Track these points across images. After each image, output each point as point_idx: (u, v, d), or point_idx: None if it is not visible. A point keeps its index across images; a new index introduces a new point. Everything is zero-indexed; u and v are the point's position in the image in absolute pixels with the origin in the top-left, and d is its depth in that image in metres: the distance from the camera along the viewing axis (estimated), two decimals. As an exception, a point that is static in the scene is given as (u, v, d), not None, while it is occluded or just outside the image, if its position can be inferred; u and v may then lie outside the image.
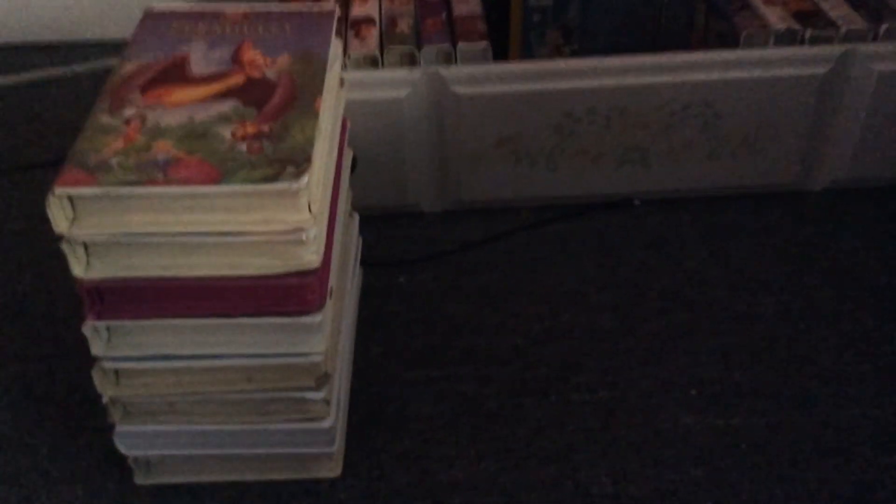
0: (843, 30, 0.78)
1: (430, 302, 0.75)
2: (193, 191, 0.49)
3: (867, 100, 0.79)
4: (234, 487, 0.62)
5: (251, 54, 0.59)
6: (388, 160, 0.80)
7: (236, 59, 0.58)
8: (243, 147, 0.51)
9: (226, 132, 0.52)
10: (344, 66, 0.76)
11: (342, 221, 0.64)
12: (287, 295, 0.53)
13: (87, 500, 0.62)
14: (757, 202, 0.84)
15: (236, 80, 0.56)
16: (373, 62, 0.77)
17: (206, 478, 0.62)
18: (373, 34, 0.79)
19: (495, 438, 0.65)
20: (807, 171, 0.84)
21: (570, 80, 0.77)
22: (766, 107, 0.79)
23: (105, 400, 0.57)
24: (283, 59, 0.58)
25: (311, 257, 0.52)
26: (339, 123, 0.63)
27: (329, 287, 0.56)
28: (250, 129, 0.53)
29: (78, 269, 0.51)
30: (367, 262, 0.77)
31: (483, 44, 0.77)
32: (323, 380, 0.57)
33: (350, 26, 0.81)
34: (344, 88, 0.66)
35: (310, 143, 0.52)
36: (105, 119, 0.53)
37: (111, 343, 0.55)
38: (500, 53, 0.83)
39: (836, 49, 0.77)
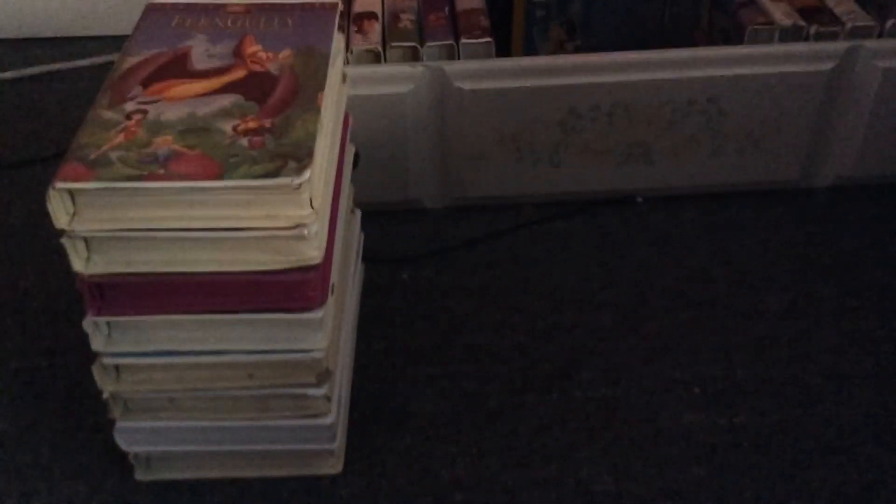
0: (849, 26, 0.78)
1: (432, 299, 0.75)
2: (194, 186, 0.49)
3: (872, 97, 0.79)
4: (234, 484, 0.62)
5: (253, 49, 0.58)
6: (391, 156, 0.80)
7: (238, 54, 0.58)
8: (245, 142, 0.51)
9: (227, 127, 0.52)
10: (346, 62, 0.75)
11: (344, 217, 0.64)
12: (288, 291, 0.53)
13: (88, 496, 0.62)
14: (760, 199, 0.84)
15: (238, 74, 0.56)
16: (375, 57, 0.77)
17: (206, 474, 0.62)
18: (375, 29, 0.79)
19: (497, 436, 0.65)
20: (811, 168, 0.84)
21: (573, 76, 0.77)
22: (771, 103, 0.79)
23: (105, 396, 0.57)
24: (285, 54, 0.58)
25: (312, 253, 0.52)
26: (341, 119, 0.63)
27: (331, 283, 0.56)
28: (252, 124, 0.52)
29: (78, 265, 0.51)
30: (369, 259, 0.77)
31: (486, 39, 0.77)
32: (324, 376, 0.57)
33: (352, 21, 0.80)
34: (346, 84, 0.66)
35: (311, 138, 0.51)
36: (106, 113, 0.53)
37: (112, 339, 0.55)
38: (503, 49, 0.83)
39: (841, 45, 0.77)
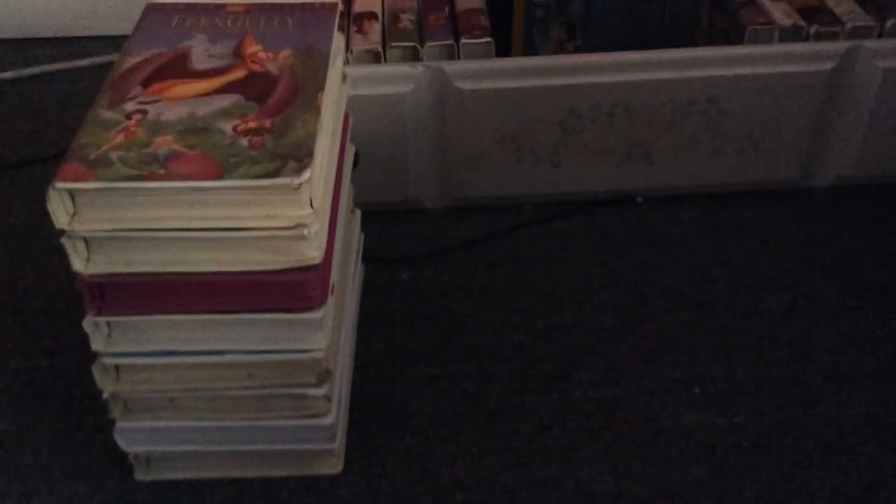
0: (849, 26, 0.78)
1: (431, 299, 0.75)
2: (194, 186, 0.49)
3: (872, 96, 0.79)
4: (234, 484, 0.62)
5: (253, 49, 0.58)
6: (391, 156, 0.80)
7: (238, 54, 0.58)
8: (244, 142, 0.51)
9: (227, 127, 0.52)
10: (346, 62, 0.75)
11: (344, 217, 0.64)
12: (288, 291, 0.53)
13: (88, 495, 0.61)
14: (760, 199, 0.84)
15: (238, 74, 0.56)
16: (375, 57, 0.77)
17: (206, 474, 0.62)
18: (375, 29, 0.79)
19: (497, 436, 0.65)
20: (811, 168, 0.84)
21: (573, 76, 0.77)
22: (771, 103, 0.79)
23: (105, 396, 0.57)
24: (285, 54, 0.58)
25: (312, 253, 0.52)
26: (341, 119, 0.63)
27: (331, 283, 0.56)
28: (252, 124, 0.52)
29: (78, 265, 0.51)
30: (369, 259, 0.77)
31: (486, 39, 0.77)
32: (324, 376, 0.57)
33: (353, 21, 0.80)
34: (346, 84, 0.66)
35: (311, 138, 0.51)
36: (106, 113, 0.53)
37: (112, 339, 0.55)
38: (504, 49, 0.83)
39: (841, 45, 0.77)
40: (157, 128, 0.52)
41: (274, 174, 0.49)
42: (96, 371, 0.56)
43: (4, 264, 0.80)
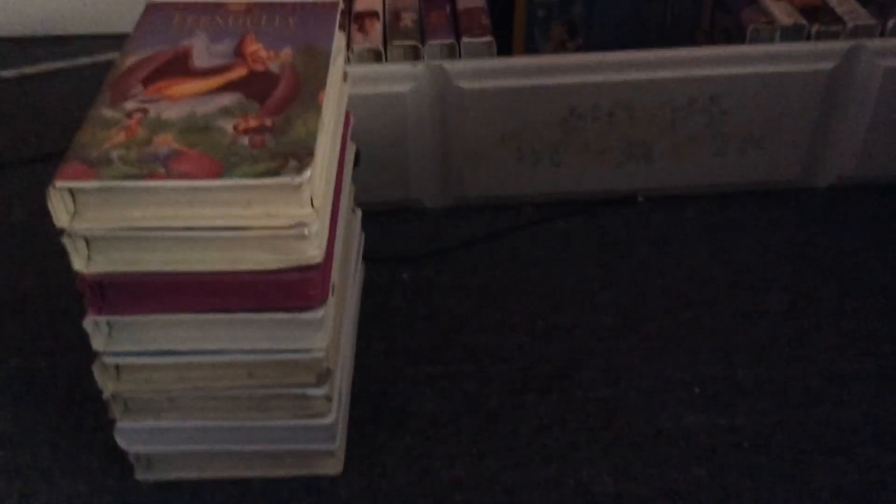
0: (850, 25, 0.78)
1: (432, 298, 0.75)
2: (194, 185, 0.49)
3: (873, 96, 0.79)
4: (235, 484, 0.62)
5: (254, 47, 0.58)
6: (392, 155, 0.80)
7: (239, 53, 0.58)
8: (245, 141, 0.51)
9: (228, 126, 0.52)
10: (347, 60, 0.75)
11: (345, 217, 0.64)
12: (289, 290, 0.53)
13: (88, 495, 0.61)
14: (761, 199, 0.84)
15: (239, 73, 0.56)
16: (376, 56, 0.77)
17: (207, 474, 0.62)
18: (376, 28, 0.79)
19: (497, 436, 0.64)
20: (812, 168, 0.84)
21: (574, 75, 0.77)
22: (772, 103, 0.79)
23: (106, 395, 0.56)
24: (286, 53, 0.58)
25: (313, 252, 0.52)
26: (342, 118, 0.63)
27: (331, 283, 0.56)
28: (252, 123, 0.52)
29: (79, 264, 0.51)
30: (369, 258, 0.77)
31: (487, 38, 0.77)
32: (324, 376, 0.57)
33: (353, 20, 0.80)
34: (347, 82, 0.66)
35: (312, 136, 0.51)
36: (106, 112, 0.53)
37: (112, 338, 0.55)
38: (505, 48, 0.82)
39: (842, 45, 0.77)
40: (158, 126, 0.52)
41: (274, 173, 0.49)
42: (97, 370, 0.56)
43: (5, 263, 0.80)
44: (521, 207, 0.84)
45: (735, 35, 0.80)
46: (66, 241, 0.50)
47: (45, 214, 0.50)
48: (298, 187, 0.49)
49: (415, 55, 0.77)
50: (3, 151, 0.93)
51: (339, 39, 0.61)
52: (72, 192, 0.49)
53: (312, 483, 0.62)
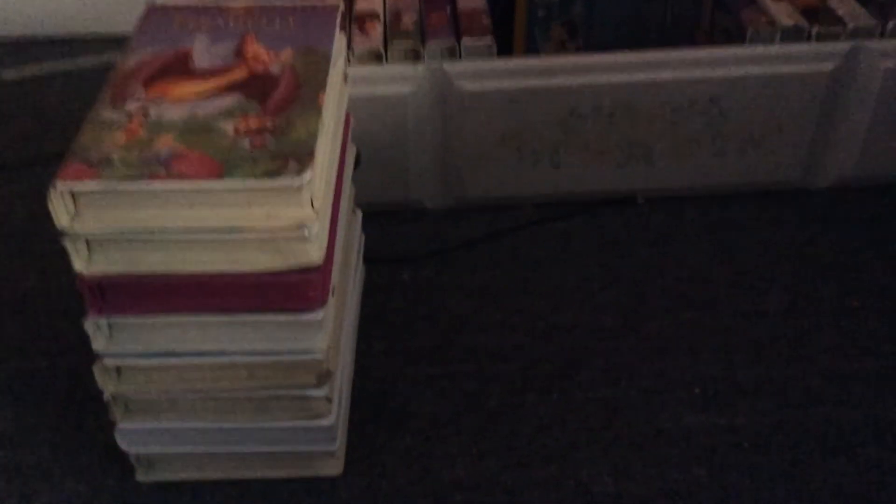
0: (850, 26, 0.78)
1: (432, 299, 0.75)
2: (195, 186, 0.49)
3: (874, 97, 0.79)
4: (235, 485, 0.62)
5: (254, 49, 0.58)
6: (392, 156, 0.80)
7: (239, 54, 0.58)
8: (246, 142, 0.51)
9: (228, 127, 0.52)
10: (348, 62, 0.75)
11: (345, 218, 0.64)
12: (289, 291, 0.53)
13: (89, 496, 0.62)
14: (762, 200, 0.84)
15: (239, 74, 0.56)
16: (377, 57, 0.77)
17: (207, 475, 0.62)
18: (377, 29, 0.79)
19: (497, 436, 0.64)
20: (812, 168, 0.84)
21: (574, 76, 0.77)
22: (772, 104, 0.79)
23: (106, 396, 0.57)
24: (287, 54, 0.58)
25: (313, 253, 0.52)
26: (342, 119, 0.63)
27: (331, 284, 0.56)
28: (253, 124, 0.52)
29: (79, 265, 0.51)
30: (369, 259, 0.77)
31: (487, 39, 0.77)
32: (324, 377, 0.57)
33: (354, 21, 0.80)
34: (348, 84, 0.66)
35: (313, 138, 0.51)
36: (107, 113, 0.53)
37: (113, 339, 0.55)
38: (505, 49, 0.83)
39: (842, 46, 0.77)
40: (159, 128, 0.52)
41: (275, 174, 0.49)
42: (97, 372, 0.56)
43: (6, 264, 0.80)
44: (522, 208, 0.84)
45: (735, 35, 0.80)
46: (66, 242, 0.50)
47: (46, 215, 0.50)
48: (299, 188, 0.49)
49: (415, 56, 0.77)
50: (4, 152, 0.93)
51: (339, 41, 0.61)
52: (72, 193, 0.49)
53: (313, 484, 0.62)
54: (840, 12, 0.79)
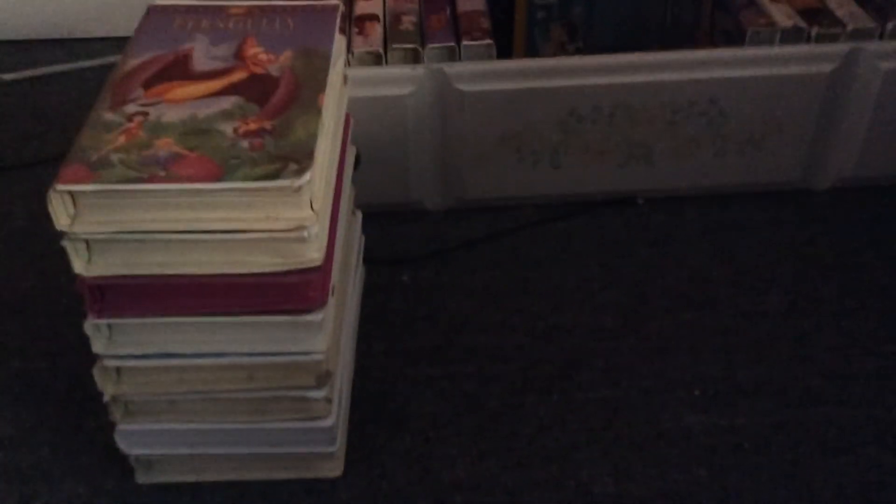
0: (850, 28, 0.78)
1: (432, 300, 0.75)
2: (195, 188, 0.49)
3: (873, 98, 0.79)
4: (234, 486, 0.62)
5: (254, 50, 0.58)
6: (392, 157, 0.80)
7: (239, 55, 0.58)
8: (245, 143, 0.51)
9: (228, 128, 0.52)
10: (347, 64, 0.75)
11: (345, 219, 0.64)
12: (289, 293, 0.53)
13: (88, 498, 0.62)
14: (762, 200, 0.84)
15: (239, 76, 0.56)
16: (377, 59, 0.77)
17: (207, 477, 0.62)
18: (377, 31, 0.79)
19: (497, 437, 0.64)
20: (812, 169, 0.84)
21: (574, 77, 0.77)
22: (772, 105, 0.79)
23: (106, 398, 0.57)
24: (286, 55, 0.58)
25: (313, 255, 0.52)
26: (342, 120, 0.63)
27: (331, 285, 0.56)
28: (252, 126, 0.52)
29: (79, 266, 0.51)
30: (369, 260, 0.77)
31: (487, 41, 0.77)
32: (324, 378, 0.57)
33: (354, 23, 0.80)
34: (347, 85, 0.66)
35: (312, 139, 0.51)
36: (107, 115, 0.53)
37: (112, 340, 0.55)
38: (505, 51, 0.82)
39: (842, 47, 0.77)
40: (158, 129, 0.52)
41: (274, 176, 0.49)
42: (97, 373, 0.56)
43: (6, 265, 0.80)
44: (522, 208, 0.84)
45: (735, 37, 0.80)
46: (66, 243, 0.50)
47: (46, 217, 0.50)
48: (298, 190, 0.49)
49: (415, 58, 0.77)
50: (5, 153, 0.93)
51: (339, 42, 0.61)
52: (72, 194, 0.49)
53: (312, 484, 0.62)
54: (839, 14, 0.79)
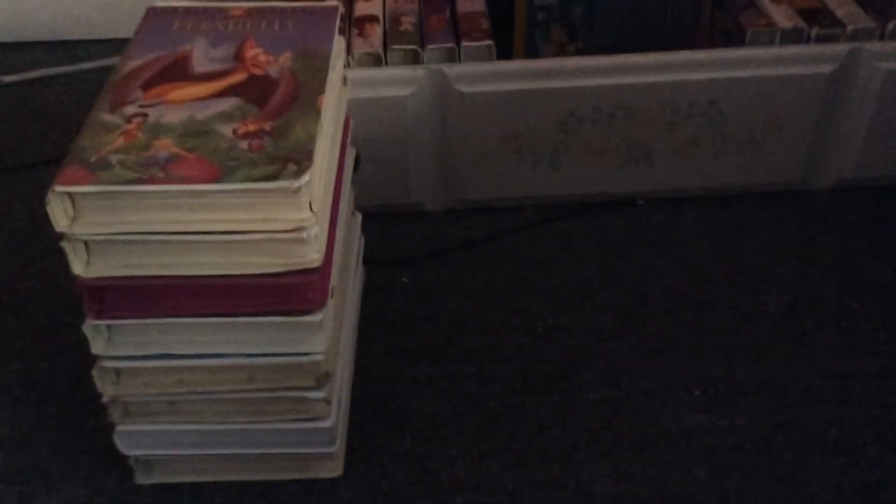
0: (850, 28, 0.78)
1: (432, 300, 0.75)
2: (193, 189, 0.49)
3: (873, 98, 0.79)
4: (234, 487, 0.62)
5: (253, 52, 0.58)
6: (392, 158, 0.80)
7: (238, 57, 0.58)
8: (244, 145, 0.51)
9: (227, 130, 0.52)
10: (347, 65, 0.75)
11: (344, 220, 0.64)
12: (288, 294, 0.53)
13: (88, 499, 0.62)
14: (762, 201, 0.84)
15: (238, 77, 0.56)
16: (376, 60, 0.77)
17: (206, 477, 0.62)
18: (376, 32, 0.79)
19: (497, 437, 0.64)
20: (812, 169, 0.83)
21: (574, 78, 0.77)
22: (772, 105, 0.79)
23: (105, 399, 0.57)
24: (286, 57, 0.58)
25: (312, 256, 0.52)
26: (341, 122, 0.63)
27: (331, 285, 0.56)
28: (252, 127, 0.52)
29: (78, 268, 0.51)
30: (369, 261, 0.77)
31: (487, 42, 0.77)
32: (323, 379, 0.57)
33: (354, 24, 0.81)
34: (347, 86, 0.66)
35: (311, 140, 0.51)
36: (106, 116, 0.53)
37: (111, 342, 0.55)
38: (505, 52, 0.82)
39: (842, 47, 0.77)
40: (157, 131, 0.52)
41: (273, 177, 0.49)
42: (96, 374, 0.56)
43: (6, 266, 0.80)
44: (521, 209, 0.84)
45: (735, 38, 0.80)
46: (65, 244, 0.51)
47: (46, 217, 0.50)
48: (297, 191, 0.49)
49: (415, 59, 0.77)
50: (5, 155, 0.93)
51: (338, 44, 0.61)
52: (71, 196, 0.50)
53: (312, 485, 0.62)
54: (839, 14, 0.79)
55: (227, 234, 0.50)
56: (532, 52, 0.85)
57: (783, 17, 0.79)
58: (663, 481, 0.61)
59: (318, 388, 0.57)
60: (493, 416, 0.66)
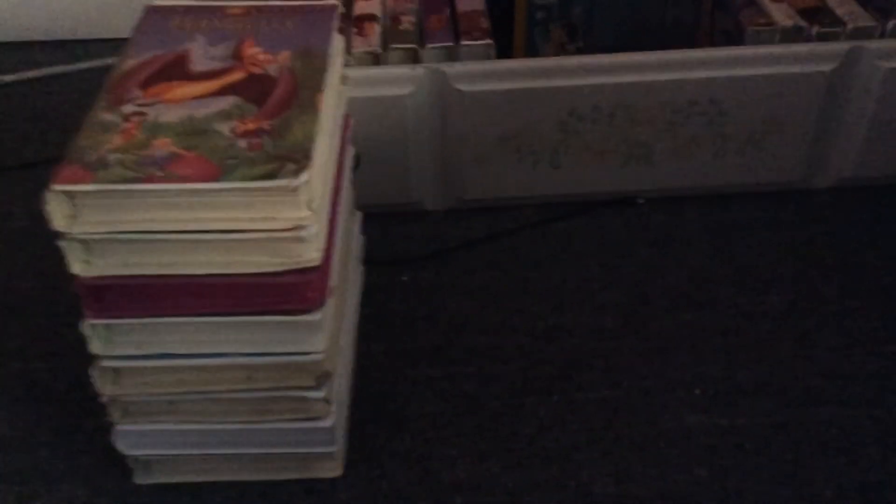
0: (850, 26, 0.77)
1: (432, 300, 0.75)
2: (192, 188, 0.49)
3: (874, 97, 0.79)
4: (234, 487, 0.62)
5: (252, 50, 0.58)
6: (391, 158, 0.80)
7: (237, 56, 0.58)
8: (243, 144, 0.51)
9: (226, 129, 0.52)
10: (346, 63, 0.75)
11: (344, 219, 0.64)
12: (287, 293, 0.53)
13: (87, 498, 0.61)
14: (762, 200, 0.84)
15: (237, 76, 0.56)
16: (375, 59, 0.77)
17: (206, 477, 0.62)
18: (375, 31, 0.79)
19: (497, 438, 0.64)
20: (813, 168, 0.83)
21: (574, 77, 0.77)
22: (772, 104, 0.79)
23: (105, 399, 0.56)
24: (284, 56, 0.58)
25: (311, 255, 0.52)
26: (341, 121, 0.63)
27: (330, 285, 0.56)
28: (250, 126, 0.52)
29: (77, 267, 0.51)
30: (369, 260, 0.77)
31: (486, 41, 0.77)
32: (323, 379, 0.57)
33: (353, 23, 0.80)
34: (346, 85, 0.66)
35: (310, 139, 0.51)
36: (105, 115, 0.53)
37: (110, 341, 0.55)
38: (504, 51, 0.82)
39: (842, 46, 0.77)
40: (156, 130, 0.52)
41: (272, 176, 0.49)
42: (95, 374, 0.56)
43: (5, 266, 0.80)
44: (521, 209, 0.84)
45: (735, 36, 0.80)
46: (63, 244, 0.50)
47: (45, 218, 0.50)
48: (296, 190, 0.49)
49: (414, 58, 0.77)
50: (4, 155, 0.93)
51: (337, 42, 0.61)
52: (69, 195, 0.49)
53: (312, 485, 0.62)
54: (839, 13, 0.79)
55: (226, 233, 0.50)
56: (532, 52, 0.85)
57: (783, 16, 0.79)
58: (663, 481, 0.61)
59: (317, 387, 0.57)
60: (493, 417, 0.66)
